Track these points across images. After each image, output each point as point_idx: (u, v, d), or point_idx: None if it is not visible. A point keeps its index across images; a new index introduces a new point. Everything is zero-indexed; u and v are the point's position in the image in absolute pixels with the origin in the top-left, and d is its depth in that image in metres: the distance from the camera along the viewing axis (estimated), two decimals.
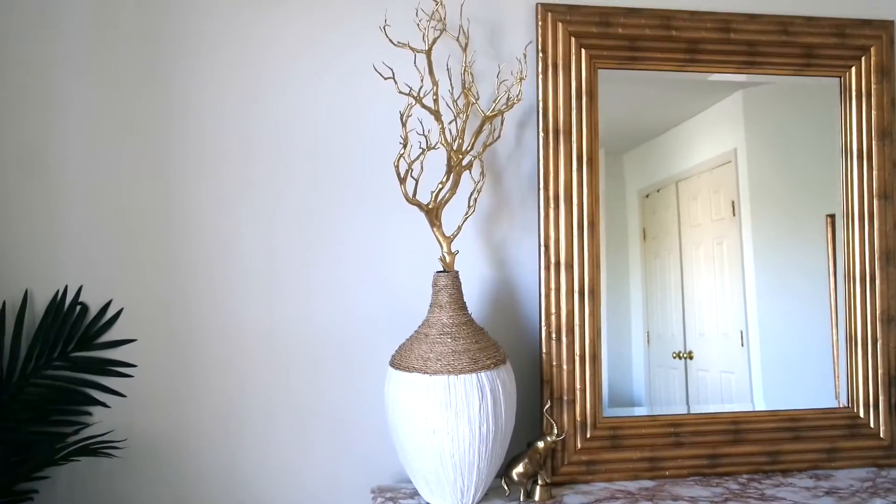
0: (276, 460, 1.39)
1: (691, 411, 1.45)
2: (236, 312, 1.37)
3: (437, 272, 1.28)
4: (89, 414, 1.32)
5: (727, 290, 1.49)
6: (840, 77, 1.49)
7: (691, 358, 1.47)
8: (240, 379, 1.37)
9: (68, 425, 1.30)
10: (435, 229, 1.29)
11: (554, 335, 1.37)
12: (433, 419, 1.19)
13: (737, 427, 1.41)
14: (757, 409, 1.45)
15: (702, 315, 1.49)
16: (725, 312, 1.49)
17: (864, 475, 1.41)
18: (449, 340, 1.23)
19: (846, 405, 1.47)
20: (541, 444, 1.29)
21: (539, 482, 1.29)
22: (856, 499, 1.29)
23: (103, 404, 1.32)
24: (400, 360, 1.25)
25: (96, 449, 1.23)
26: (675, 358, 1.48)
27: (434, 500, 1.26)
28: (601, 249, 1.41)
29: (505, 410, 1.23)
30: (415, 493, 1.31)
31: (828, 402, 1.48)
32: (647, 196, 1.48)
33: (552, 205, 1.38)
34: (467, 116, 1.30)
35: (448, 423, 1.18)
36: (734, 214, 1.49)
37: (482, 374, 1.21)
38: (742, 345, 1.48)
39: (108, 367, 1.32)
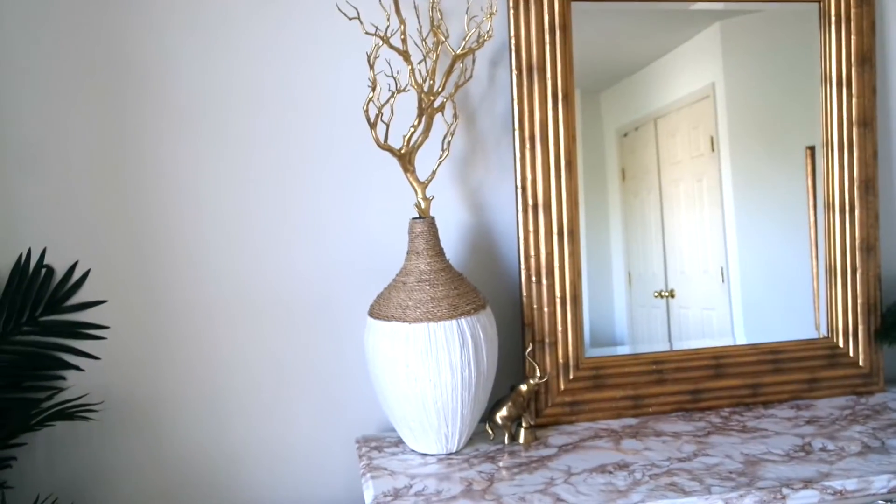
0: (258, 416, 1.37)
1: (673, 349, 1.45)
2: (211, 268, 1.33)
3: (413, 219, 1.25)
4: (63, 378, 1.29)
5: (707, 226, 1.48)
6: (819, 2, 1.45)
7: (672, 296, 1.47)
8: (217, 335, 1.35)
9: (42, 390, 1.27)
10: (409, 175, 1.26)
11: (534, 278, 1.35)
12: (414, 367, 1.18)
13: (718, 362, 1.42)
14: (738, 343, 1.46)
15: (682, 253, 1.48)
16: (706, 249, 1.48)
17: (844, 403, 1.42)
18: (427, 287, 1.21)
19: (826, 335, 1.48)
20: (524, 387, 1.28)
21: (523, 425, 1.29)
22: (836, 426, 1.31)
23: (77, 368, 1.29)
24: (379, 310, 1.23)
25: (72, 413, 1.21)
26: (656, 297, 1.47)
27: (419, 447, 1.25)
28: (580, 190, 1.38)
29: (486, 355, 1.22)
30: (399, 442, 1.30)
31: (808, 333, 1.48)
32: (626, 135, 1.45)
33: (528, 145, 1.34)
34: (437, 56, 1.25)
35: (430, 371, 1.17)
36: (713, 150, 1.46)
37: (462, 319, 1.20)
38: (722, 281, 1.47)
39: (79, 330, 1.29)
